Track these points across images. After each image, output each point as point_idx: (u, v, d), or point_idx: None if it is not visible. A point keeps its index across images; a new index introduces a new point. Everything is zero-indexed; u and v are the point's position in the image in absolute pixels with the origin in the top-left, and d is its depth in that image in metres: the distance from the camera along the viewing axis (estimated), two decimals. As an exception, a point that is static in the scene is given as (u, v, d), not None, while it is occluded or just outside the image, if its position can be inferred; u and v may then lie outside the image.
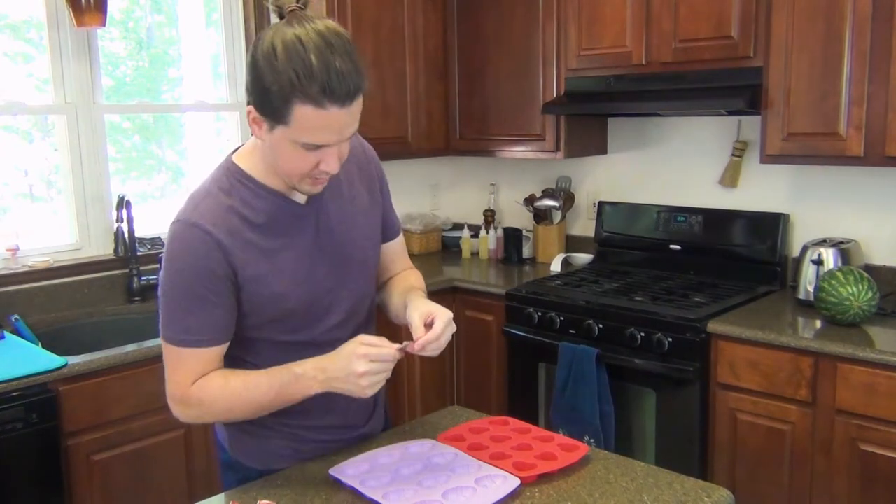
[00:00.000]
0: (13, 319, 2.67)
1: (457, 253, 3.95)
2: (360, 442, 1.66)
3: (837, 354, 2.36)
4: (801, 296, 2.78)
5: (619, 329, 2.80)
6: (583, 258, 3.59)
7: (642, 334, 2.74)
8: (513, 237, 3.72)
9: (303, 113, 1.28)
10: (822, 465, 2.43)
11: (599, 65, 3.16)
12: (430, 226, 3.96)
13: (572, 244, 3.72)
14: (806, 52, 2.60)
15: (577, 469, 1.53)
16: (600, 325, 2.85)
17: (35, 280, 2.86)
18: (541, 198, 3.69)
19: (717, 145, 3.25)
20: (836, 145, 2.58)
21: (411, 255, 1.84)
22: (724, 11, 2.77)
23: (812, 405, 2.44)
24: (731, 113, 3.00)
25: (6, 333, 2.56)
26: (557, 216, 3.69)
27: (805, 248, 2.81)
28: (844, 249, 2.74)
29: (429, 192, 4.17)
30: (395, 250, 1.74)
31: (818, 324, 2.59)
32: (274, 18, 1.37)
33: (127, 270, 3.05)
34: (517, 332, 3.11)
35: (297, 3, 1.34)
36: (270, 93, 1.28)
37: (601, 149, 3.58)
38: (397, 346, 1.39)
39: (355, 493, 1.43)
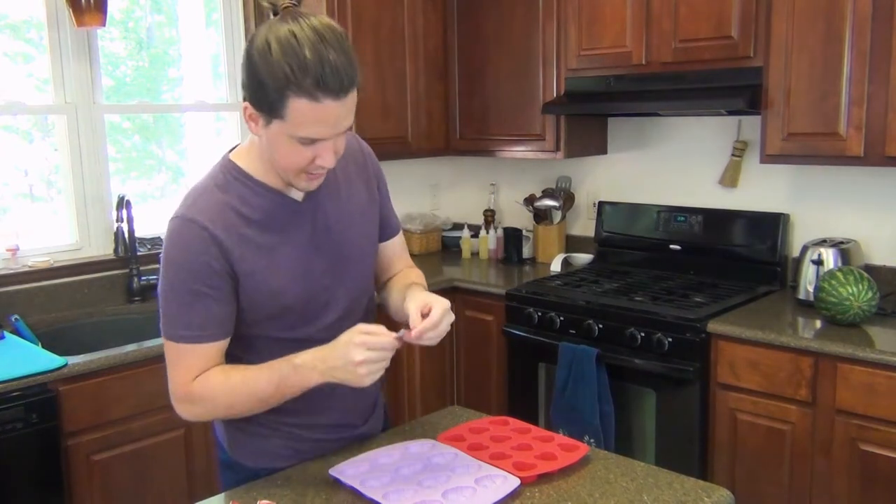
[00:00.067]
0: (13, 319, 2.67)
1: (457, 253, 3.95)
2: (359, 442, 1.66)
3: (837, 354, 2.36)
4: (801, 296, 2.78)
5: (619, 329, 2.80)
6: (583, 258, 3.59)
7: (642, 334, 2.74)
8: (513, 237, 3.72)
9: (298, 106, 1.30)
10: (822, 465, 2.44)
11: (599, 65, 3.16)
12: (430, 226, 3.96)
13: (572, 244, 3.72)
14: (806, 52, 2.60)
15: (577, 469, 1.53)
16: (600, 325, 2.85)
17: (35, 280, 2.86)
18: (541, 198, 3.69)
19: (717, 145, 3.25)
20: (836, 145, 2.58)
21: (411, 255, 1.84)
22: (724, 11, 2.77)
23: (812, 405, 2.44)
24: (731, 113, 3.00)
25: (6, 333, 2.56)
26: (557, 216, 3.69)
27: (805, 248, 2.81)
28: (844, 249, 2.74)
29: (429, 192, 4.17)
30: (395, 249, 1.74)
31: (818, 324, 2.59)
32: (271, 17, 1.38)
33: (127, 270, 3.05)
34: (517, 332, 3.11)
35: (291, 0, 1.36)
36: (266, 87, 1.30)
37: (601, 149, 3.58)
38: (395, 334, 1.39)
39: (355, 493, 1.43)
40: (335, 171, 1.56)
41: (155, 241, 3.17)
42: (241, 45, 3.38)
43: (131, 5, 3.31)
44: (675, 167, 3.39)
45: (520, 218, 3.88)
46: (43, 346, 2.53)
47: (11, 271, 2.81)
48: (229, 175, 1.47)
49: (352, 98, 1.35)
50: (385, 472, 1.49)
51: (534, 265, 3.67)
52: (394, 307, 1.65)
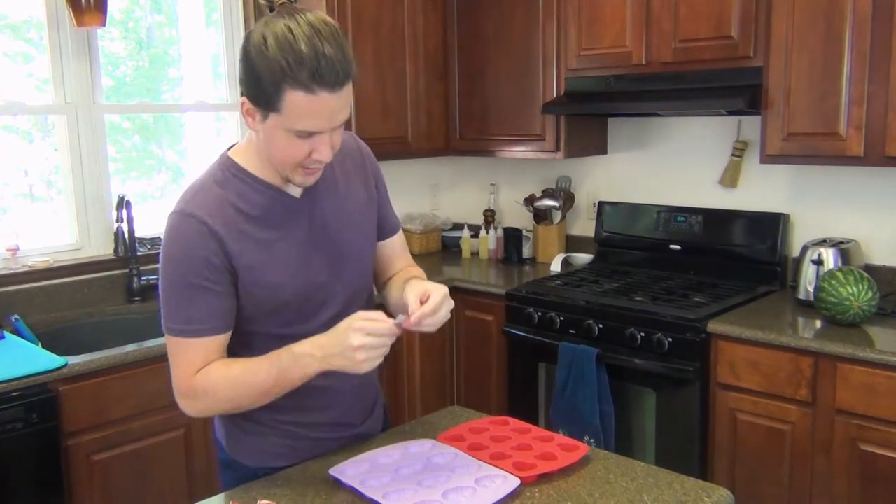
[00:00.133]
0: (13, 319, 2.67)
1: (457, 253, 3.95)
2: (358, 442, 1.66)
3: (837, 354, 2.36)
4: (801, 296, 2.78)
5: (619, 329, 2.80)
6: (583, 258, 3.59)
7: (642, 334, 2.74)
8: (513, 237, 3.72)
9: (294, 99, 1.31)
10: (822, 465, 2.44)
11: (599, 65, 3.16)
12: (430, 226, 3.97)
13: (572, 244, 3.72)
14: (806, 52, 2.60)
15: (577, 469, 1.53)
16: (600, 325, 2.85)
17: (35, 280, 2.86)
18: (541, 198, 3.69)
19: (717, 145, 3.25)
20: (836, 145, 2.58)
21: (411, 256, 1.84)
22: (724, 11, 2.77)
23: (812, 405, 2.44)
24: (731, 113, 3.00)
25: (6, 333, 2.56)
26: (557, 216, 3.69)
27: (805, 248, 2.81)
28: (844, 249, 2.74)
29: (429, 192, 4.17)
30: (395, 248, 1.74)
31: (818, 324, 2.59)
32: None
33: (127, 270, 3.05)
34: (517, 332, 3.11)
35: None
36: (262, 81, 1.32)
37: (601, 149, 3.58)
38: (394, 320, 1.39)
39: (355, 493, 1.43)
40: (333, 169, 1.57)
41: (155, 241, 3.17)
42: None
43: (131, 5, 3.31)
44: (675, 167, 3.39)
45: (520, 218, 3.88)
46: (43, 346, 2.53)
47: (11, 271, 2.81)
48: (228, 172, 1.49)
49: (347, 91, 1.36)
50: (385, 472, 1.49)
51: (534, 265, 3.67)
52: (395, 305, 1.65)
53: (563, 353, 2.86)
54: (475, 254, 3.90)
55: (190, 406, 1.48)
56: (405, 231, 3.54)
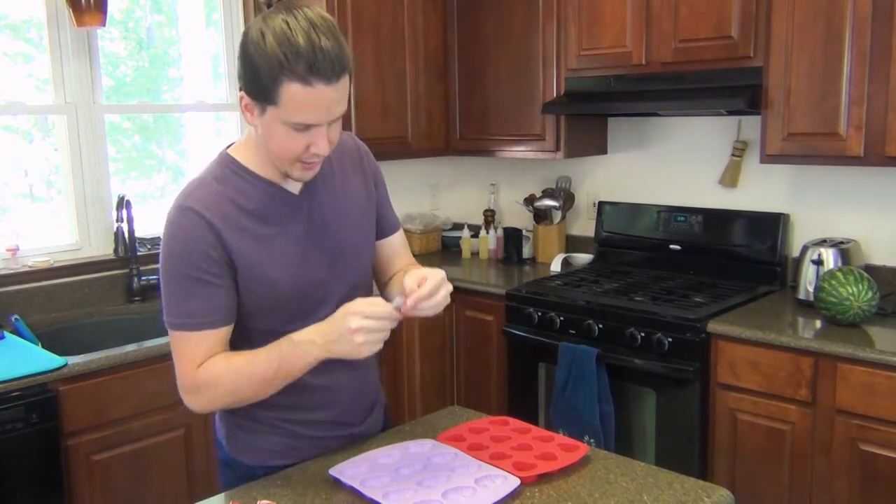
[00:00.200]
0: (13, 319, 2.67)
1: (457, 253, 3.95)
2: (358, 441, 1.66)
3: (837, 354, 2.36)
4: (801, 296, 2.78)
5: (619, 329, 2.80)
6: (583, 258, 3.59)
7: (642, 334, 2.74)
8: (513, 237, 3.72)
9: (291, 91, 1.33)
10: (822, 465, 2.43)
11: (599, 65, 3.16)
12: (430, 226, 3.96)
13: (572, 244, 3.72)
14: (806, 52, 2.60)
15: (577, 469, 1.53)
16: (600, 325, 2.85)
17: (35, 280, 2.86)
18: (541, 198, 3.69)
19: (717, 145, 3.25)
20: (836, 145, 2.58)
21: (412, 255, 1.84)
22: (724, 11, 2.77)
23: (812, 405, 2.44)
24: (731, 113, 3.00)
25: (6, 333, 2.56)
26: (557, 216, 3.69)
27: (805, 248, 2.81)
28: (844, 249, 2.74)
29: (429, 192, 4.17)
30: (396, 247, 1.74)
31: (818, 324, 2.59)
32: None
33: (127, 270, 3.05)
34: (517, 332, 3.11)
35: None
36: (260, 74, 1.34)
37: (601, 149, 3.58)
38: (392, 304, 1.39)
39: (355, 493, 1.43)
40: (332, 166, 1.58)
41: (155, 241, 3.17)
42: (241, 45, 3.38)
43: (131, 5, 3.32)
44: (675, 167, 3.39)
45: (520, 218, 3.88)
46: (43, 346, 2.53)
47: (11, 271, 2.81)
48: (227, 169, 1.50)
49: (344, 84, 1.37)
50: (385, 472, 1.49)
51: (534, 265, 3.67)
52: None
53: (563, 353, 2.86)
54: (475, 254, 3.90)
55: (193, 400, 1.48)
56: (405, 231, 3.53)
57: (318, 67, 1.31)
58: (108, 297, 3.03)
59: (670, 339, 2.67)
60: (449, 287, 1.44)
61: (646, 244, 3.40)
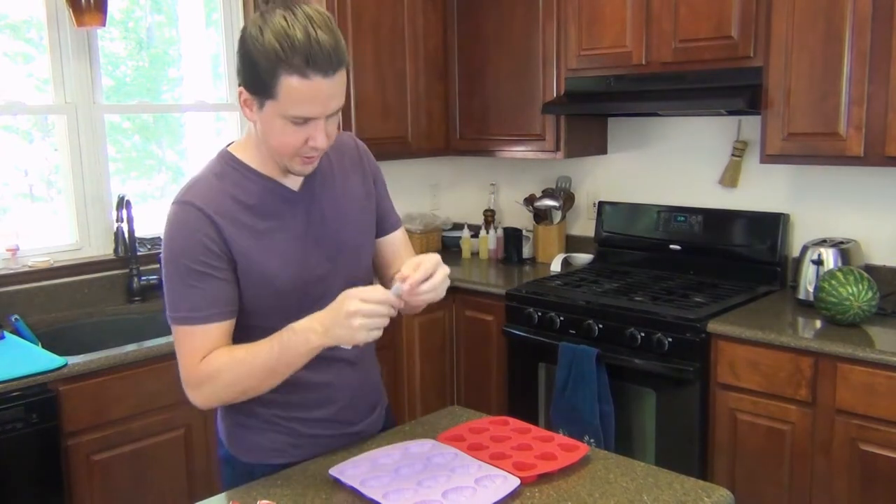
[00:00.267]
0: (13, 319, 2.67)
1: (457, 253, 3.95)
2: (358, 441, 1.66)
3: (837, 354, 2.36)
4: (801, 296, 2.78)
5: (619, 329, 2.80)
6: (583, 258, 3.59)
7: (642, 334, 2.74)
8: (513, 237, 3.72)
9: (289, 84, 1.34)
10: (822, 465, 2.43)
11: (599, 65, 3.16)
12: (430, 226, 3.96)
13: (572, 244, 3.72)
14: (806, 52, 2.60)
15: (577, 469, 1.53)
16: (600, 325, 2.85)
17: (35, 280, 2.86)
18: (541, 198, 3.69)
19: (717, 145, 3.25)
20: (836, 145, 2.58)
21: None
22: (724, 11, 2.77)
23: (812, 405, 2.44)
24: (731, 113, 3.00)
25: (6, 333, 2.56)
26: (557, 216, 3.69)
27: (805, 248, 2.81)
28: (844, 249, 2.74)
29: (429, 192, 4.17)
30: (396, 244, 1.75)
31: (818, 324, 2.59)
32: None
33: (127, 270, 3.05)
34: (517, 332, 3.11)
35: None
36: (258, 68, 1.36)
37: (601, 149, 3.58)
38: (391, 290, 1.39)
39: (355, 493, 1.43)
40: (331, 166, 1.60)
41: (155, 241, 3.17)
42: (241, 45, 3.38)
43: (131, 5, 3.32)
44: (675, 167, 3.39)
45: (520, 218, 3.88)
46: (43, 346, 2.53)
47: (11, 271, 2.81)
48: (227, 165, 1.52)
49: (341, 78, 1.39)
50: (385, 472, 1.49)
51: (534, 265, 3.67)
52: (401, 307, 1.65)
53: (563, 353, 2.86)
54: (475, 254, 3.90)
55: (197, 395, 1.48)
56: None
57: (315, 60, 1.33)
58: (108, 297, 3.03)
59: (670, 339, 2.67)
60: (445, 269, 1.44)
61: (646, 244, 3.40)
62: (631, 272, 3.34)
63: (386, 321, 1.38)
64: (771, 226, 3.05)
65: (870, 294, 2.48)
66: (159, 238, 3.18)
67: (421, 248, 3.88)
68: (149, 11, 3.38)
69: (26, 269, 2.85)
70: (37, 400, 2.24)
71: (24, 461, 2.22)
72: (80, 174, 3.00)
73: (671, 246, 3.31)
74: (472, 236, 3.92)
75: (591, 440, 2.76)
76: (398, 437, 1.67)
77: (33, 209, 3.11)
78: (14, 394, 2.20)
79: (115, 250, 3.01)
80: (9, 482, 2.21)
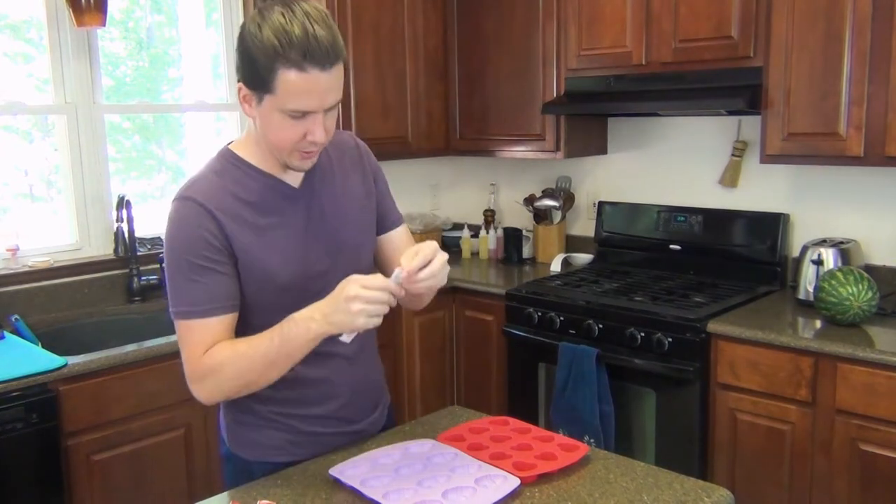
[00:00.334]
0: (13, 319, 2.67)
1: (457, 253, 3.95)
2: (358, 441, 1.67)
3: (837, 354, 2.36)
4: (801, 296, 2.78)
5: (619, 329, 2.80)
6: (583, 258, 3.59)
7: (642, 334, 2.74)
8: (513, 237, 3.72)
9: (286, 78, 1.36)
10: (822, 465, 2.43)
11: (599, 65, 3.16)
12: (430, 226, 3.96)
13: (572, 244, 3.72)
14: (806, 52, 2.60)
15: (577, 469, 1.53)
16: (600, 325, 2.85)
17: (35, 280, 2.86)
18: (541, 198, 3.69)
19: (717, 145, 3.25)
20: (836, 145, 2.58)
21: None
22: (724, 11, 2.77)
23: (812, 405, 2.44)
24: (731, 113, 3.00)
25: (6, 333, 2.56)
26: (557, 216, 3.69)
27: (805, 248, 2.81)
28: (844, 249, 2.74)
29: (429, 192, 4.17)
30: (399, 241, 1.74)
31: (818, 324, 2.59)
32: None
33: (127, 270, 3.05)
34: (517, 332, 3.11)
35: None
36: (256, 63, 1.38)
37: (601, 149, 3.58)
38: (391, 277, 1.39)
39: (355, 493, 1.43)
40: (331, 164, 1.61)
41: (155, 241, 3.17)
42: (241, 45, 3.38)
43: (131, 5, 3.31)
44: (675, 167, 3.39)
45: (520, 218, 3.88)
46: (43, 346, 2.53)
47: (11, 271, 2.81)
48: (227, 163, 1.54)
49: (338, 72, 1.40)
50: (385, 472, 1.49)
51: (534, 265, 3.67)
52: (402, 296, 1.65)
53: (563, 353, 2.86)
54: (475, 254, 3.90)
55: (200, 389, 1.48)
56: (405, 231, 3.53)
57: (312, 54, 1.35)
58: (108, 297, 3.03)
59: (670, 339, 2.67)
60: (444, 256, 1.44)
61: (646, 244, 3.40)
62: (631, 272, 3.34)
63: (385, 309, 1.38)
64: (771, 226, 3.05)
65: (870, 294, 2.48)
66: (159, 238, 3.19)
67: (421, 248, 3.88)
68: (149, 11, 3.38)
69: (26, 269, 2.85)
70: (37, 400, 2.24)
71: (24, 461, 2.22)
72: (80, 174, 3.00)
73: (671, 246, 3.31)
74: (472, 236, 3.92)
75: (591, 440, 2.76)
76: (398, 437, 1.67)
77: (33, 209, 3.11)
78: (14, 394, 2.20)
79: (115, 250, 3.01)
80: (9, 482, 2.21)
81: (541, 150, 3.45)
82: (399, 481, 1.45)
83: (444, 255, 1.44)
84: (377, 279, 1.38)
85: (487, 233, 3.85)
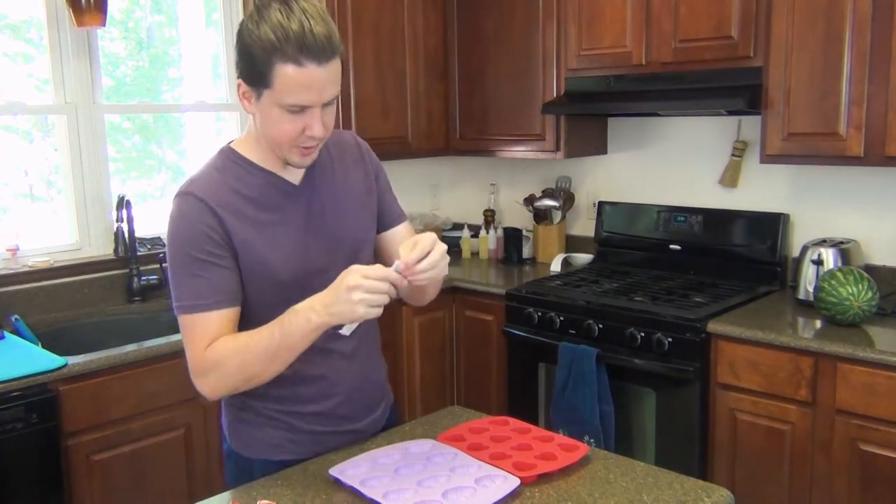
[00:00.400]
0: (13, 319, 2.67)
1: (457, 253, 3.95)
2: (359, 441, 1.67)
3: (837, 354, 2.36)
4: (801, 296, 2.78)
5: (619, 329, 2.80)
6: (583, 258, 3.59)
7: (642, 334, 2.74)
8: (513, 237, 3.72)
9: (284, 73, 1.38)
10: (822, 465, 2.44)
11: (599, 65, 3.16)
12: (430, 226, 3.96)
13: (572, 244, 3.72)
14: (806, 52, 2.60)
15: (577, 469, 1.53)
16: (600, 325, 2.85)
17: (35, 280, 2.86)
18: (541, 198, 3.69)
19: (717, 145, 3.25)
20: (836, 145, 2.58)
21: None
22: (724, 11, 2.77)
23: (812, 405, 2.44)
24: (731, 113, 3.00)
25: (6, 333, 2.56)
26: (557, 216, 3.69)
27: (805, 248, 2.81)
28: (844, 249, 2.74)
29: (429, 192, 4.17)
30: (401, 238, 1.74)
31: (818, 324, 2.59)
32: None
33: (127, 270, 3.05)
34: (517, 332, 3.11)
35: None
36: (254, 58, 1.39)
37: (601, 149, 3.58)
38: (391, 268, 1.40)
39: (355, 493, 1.43)
40: (331, 159, 1.62)
41: (155, 241, 3.17)
42: (241, 45, 3.38)
43: (131, 5, 3.31)
44: (675, 167, 3.39)
45: (520, 218, 3.88)
46: (43, 346, 2.53)
47: (11, 271, 2.81)
48: (228, 160, 1.55)
49: (335, 67, 1.42)
50: (385, 472, 1.49)
51: (534, 265, 3.67)
52: (404, 292, 1.65)
53: (563, 353, 2.86)
54: (475, 254, 3.90)
55: (204, 384, 1.49)
56: (405, 231, 3.53)
57: (309, 49, 1.37)
58: (108, 297, 3.03)
59: (670, 339, 2.67)
60: (443, 247, 1.44)
61: (646, 244, 3.40)
62: (631, 272, 3.34)
63: (386, 299, 1.39)
64: (771, 226, 3.05)
65: (870, 294, 2.48)
66: (159, 238, 3.19)
67: (421, 248, 3.88)
68: (149, 11, 3.38)
69: (26, 269, 2.85)
70: (37, 400, 2.24)
71: (24, 461, 2.22)
72: (80, 174, 3.00)
73: (671, 246, 3.31)
74: (473, 236, 3.92)
75: (591, 440, 2.76)
76: (398, 437, 1.67)
77: (33, 209, 3.11)
78: (14, 394, 2.20)
79: (115, 250, 3.01)
80: (9, 482, 2.21)
81: (541, 150, 3.45)
82: (399, 481, 1.45)
83: (443, 246, 1.44)
84: (378, 269, 1.38)
85: (487, 233, 3.85)
